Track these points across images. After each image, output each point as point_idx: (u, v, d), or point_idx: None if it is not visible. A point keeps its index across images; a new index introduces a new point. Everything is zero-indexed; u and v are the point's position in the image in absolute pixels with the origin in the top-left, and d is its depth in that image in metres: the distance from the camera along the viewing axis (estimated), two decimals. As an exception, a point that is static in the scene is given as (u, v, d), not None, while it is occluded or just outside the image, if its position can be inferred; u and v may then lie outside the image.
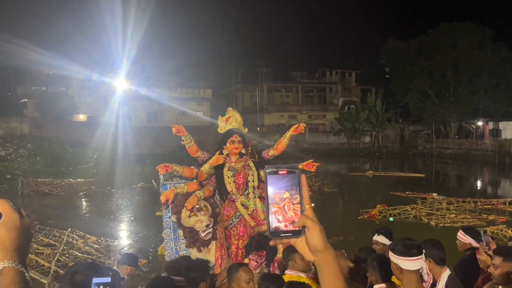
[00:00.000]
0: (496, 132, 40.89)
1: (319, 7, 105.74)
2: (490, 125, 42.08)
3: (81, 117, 42.03)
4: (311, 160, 5.16)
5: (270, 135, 41.93)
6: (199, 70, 46.85)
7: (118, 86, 41.34)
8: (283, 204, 0.88)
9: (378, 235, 4.01)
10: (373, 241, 4.09)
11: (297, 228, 0.89)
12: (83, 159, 29.56)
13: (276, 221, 0.88)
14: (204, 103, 47.07)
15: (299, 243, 0.92)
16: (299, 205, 0.89)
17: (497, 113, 41.81)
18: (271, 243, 0.92)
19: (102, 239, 10.08)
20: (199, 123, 42.28)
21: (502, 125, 41.00)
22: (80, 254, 8.66)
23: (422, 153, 41.83)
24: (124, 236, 11.52)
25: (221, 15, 77.02)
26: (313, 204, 0.92)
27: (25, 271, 0.92)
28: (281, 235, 0.89)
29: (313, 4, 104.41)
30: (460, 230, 3.91)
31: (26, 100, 41.19)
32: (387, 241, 3.84)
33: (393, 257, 2.40)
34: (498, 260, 2.72)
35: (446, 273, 2.98)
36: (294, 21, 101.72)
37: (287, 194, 0.88)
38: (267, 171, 0.90)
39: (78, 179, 20.26)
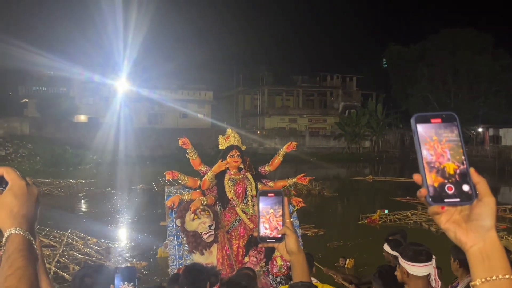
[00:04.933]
0: (496, 139, 40.93)
1: (321, 11, 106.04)
2: (490, 132, 42.13)
3: (82, 118, 42.04)
4: (303, 174, 5.54)
5: (270, 138, 41.94)
6: (200, 73, 46.96)
7: (119, 87, 41.36)
8: (269, 216, 1.19)
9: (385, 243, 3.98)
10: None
11: (279, 236, 1.19)
12: (83, 160, 29.58)
13: (263, 228, 1.19)
14: (205, 106, 47.13)
15: (280, 247, 1.24)
16: (281, 218, 1.19)
17: (498, 120, 41.88)
18: (260, 245, 1.25)
19: (102, 240, 10.08)
20: (199, 125, 42.32)
21: (502, 131, 41.05)
22: (80, 256, 8.66)
23: (422, 158, 41.75)
24: (124, 238, 11.53)
25: (223, 19, 77.18)
26: (292, 219, 1.24)
27: (32, 239, 0.90)
28: (267, 240, 1.19)
29: (315, 9, 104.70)
30: None
31: (27, 100, 41.23)
32: (390, 250, 3.84)
33: (401, 261, 2.42)
34: None
35: (469, 278, 2.97)
36: (296, 25, 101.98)
37: (271, 210, 1.19)
38: (259, 193, 1.24)
39: (78, 180, 20.26)
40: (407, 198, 16.93)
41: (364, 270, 7.82)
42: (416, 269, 2.34)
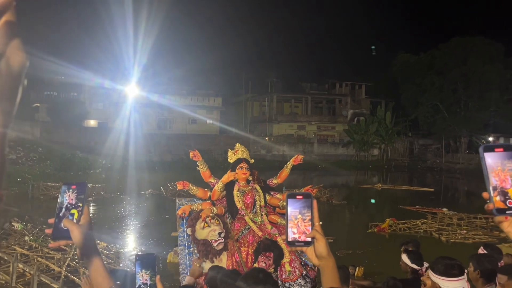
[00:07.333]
0: (507, 148, 40.52)
1: (330, 19, 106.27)
2: (501, 141, 41.71)
3: (92, 122, 42.38)
4: (310, 186, 5.78)
5: (278, 145, 41.92)
6: (209, 79, 47.14)
7: (129, 93, 41.66)
8: (297, 221, 1.17)
9: (403, 253, 3.98)
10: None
11: (308, 239, 1.16)
12: (93, 164, 29.79)
13: (292, 233, 1.16)
14: (214, 112, 47.24)
15: (309, 251, 1.20)
16: (309, 222, 1.16)
17: (508, 129, 41.46)
18: (288, 249, 1.15)
19: (112, 245, 10.13)
20: (208, 131, 42.45)
21: (513, 141, 40.64)
22: (89, 260, 8.70)
23: (431, 167, 41.51)
24: (133, 243, 11.57)
25: (233, 25, 77.62)
26: (321, 222, 1.19)
27: None
28: (296, 244, 1.16)
29: (325, 16, 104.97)
30: (481, 247, 3.90)
31: (38, 104, 41.65)
32: (409, 262, 3.83)
33: (433, 276, 2.40)
34: (503, 278, 2.74)
35: None
36: (305, 33, 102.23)
37: (299, 215, 1.17)
38: (288, 195, 1.20)
39: (88, 185, 20.38)
40: (417, 207, 16.82)
41: (374, 279, 7.76)
42: (449, 284, 2.31)
